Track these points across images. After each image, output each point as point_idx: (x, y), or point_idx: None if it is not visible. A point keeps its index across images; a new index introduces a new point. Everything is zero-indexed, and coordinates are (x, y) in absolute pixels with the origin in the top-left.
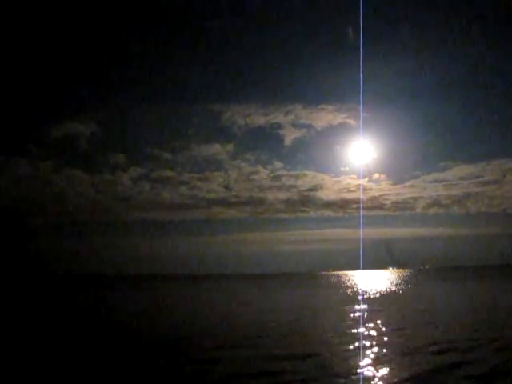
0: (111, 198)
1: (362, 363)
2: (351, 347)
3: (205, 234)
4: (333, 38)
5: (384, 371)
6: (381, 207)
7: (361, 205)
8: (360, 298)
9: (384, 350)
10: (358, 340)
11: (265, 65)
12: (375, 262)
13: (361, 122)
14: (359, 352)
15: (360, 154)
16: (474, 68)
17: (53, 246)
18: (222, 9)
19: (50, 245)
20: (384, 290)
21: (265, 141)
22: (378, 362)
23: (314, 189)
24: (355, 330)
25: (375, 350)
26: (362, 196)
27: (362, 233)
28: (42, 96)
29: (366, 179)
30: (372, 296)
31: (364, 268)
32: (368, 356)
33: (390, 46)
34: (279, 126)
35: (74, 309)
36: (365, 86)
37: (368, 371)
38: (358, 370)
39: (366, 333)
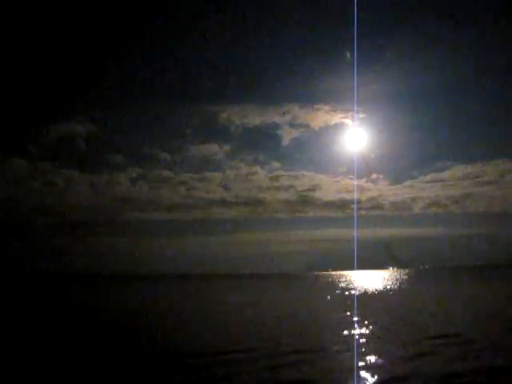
0: (110, 199)
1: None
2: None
3: (203, 234)
4: (328, 39)
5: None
6: (380, 207)
7: (355, 205)
8: (355, 299)
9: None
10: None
11: (261, 65)
12: (375, 262)
13: (356, 122)
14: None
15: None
16: (472, 69)
17: (52, 246)
18: (222, 12)
19: (49, 245)
20: (381, 289)
21: (262, 141)
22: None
23: (312, 189)
24: (349, 331)
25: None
26: (356, 195)
27: (356, 232)
28: (41, 97)
29: (364, 179)
30: (369, 296)
31: (360, 268)
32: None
33: (387, 47)
34: (276, 126)
35: (73, 308)
36: (362, 87)
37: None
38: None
39: (359, 332)
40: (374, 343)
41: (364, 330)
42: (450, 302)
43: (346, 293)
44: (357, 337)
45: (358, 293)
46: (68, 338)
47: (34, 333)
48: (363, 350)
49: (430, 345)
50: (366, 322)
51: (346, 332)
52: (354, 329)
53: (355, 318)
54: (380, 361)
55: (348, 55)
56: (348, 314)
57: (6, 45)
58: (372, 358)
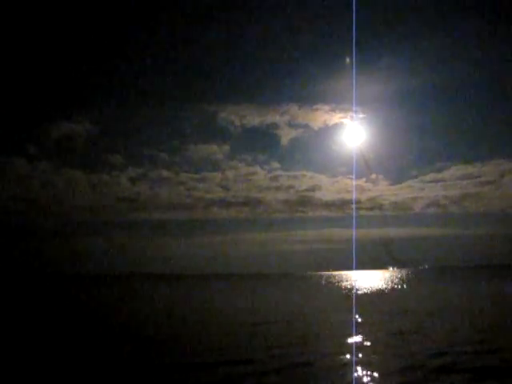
0: (110, 198)
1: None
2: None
3: (203, 234)
4: (328, 39)
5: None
6: (379, 207)
7: (354, 205)
8: (356, 300)
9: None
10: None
11: (260, 66)
12: (375, 262)
13: (355, 122)
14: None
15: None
16: (471, 69)
17: (51, 246)
18: (223, 14)
19: (49, 244)
20: (383, 290)
21: (261, 141)
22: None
23: (311, 189)
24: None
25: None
26: (355, 195)
27: (355, 232)
28: (40, 97)
29: (364, 179)
30: (371, 297)
31: (360, 268)
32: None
33: (387, 47)
34: (275, 126)
35: (73, 308)
36: (362, 87)
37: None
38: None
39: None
40: (380, 354)
41: (369, 337)
42: (454, 303)
43: (347, 293)
44: (360, 345)
45: (359, 293)
46: (68, 340)
47: (33, 334)
48: (367, 361)
49: (451, 356)
50: (371, 327)
51: (348, 340)
52: (357, 335)
53: (359, 320)
54: (388, 378)
55: (347, 55)
56: (349, 317)
57: (7, 45)
58: (378, 374)
